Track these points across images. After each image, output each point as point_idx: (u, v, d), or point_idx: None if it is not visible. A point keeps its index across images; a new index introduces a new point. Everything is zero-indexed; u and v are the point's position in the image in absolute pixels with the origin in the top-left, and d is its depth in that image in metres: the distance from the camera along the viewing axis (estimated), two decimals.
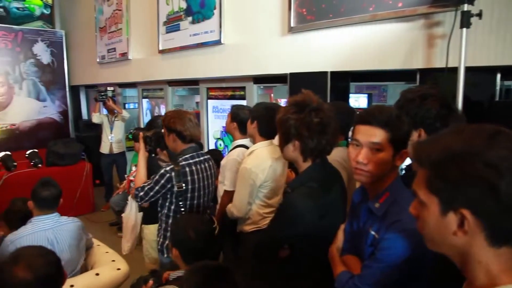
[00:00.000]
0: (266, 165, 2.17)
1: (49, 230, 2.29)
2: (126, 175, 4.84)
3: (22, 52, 6.70)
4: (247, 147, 2.61)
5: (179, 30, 4.05)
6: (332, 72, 2.71)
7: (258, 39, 3.26)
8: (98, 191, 5.81)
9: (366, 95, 4.92)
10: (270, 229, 1.71)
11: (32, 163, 5.24)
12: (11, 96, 6.64)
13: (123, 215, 3.35)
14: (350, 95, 3.10)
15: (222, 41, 3.50)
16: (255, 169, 2.15)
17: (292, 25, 2.88)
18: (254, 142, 2.36)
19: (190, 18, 3.89)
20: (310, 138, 1.48)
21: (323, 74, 2.71)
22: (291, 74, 2.96)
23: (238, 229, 2.37)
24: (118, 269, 2.52)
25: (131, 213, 3.30)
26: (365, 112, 1.30)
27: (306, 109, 1.48)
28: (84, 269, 2.63)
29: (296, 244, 1.56)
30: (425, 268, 1.18)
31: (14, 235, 2.23)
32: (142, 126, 5.54)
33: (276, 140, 2.12)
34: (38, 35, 6.87)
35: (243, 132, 2.64)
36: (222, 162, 2.61)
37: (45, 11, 7.30)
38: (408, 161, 1.33)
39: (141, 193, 2.19)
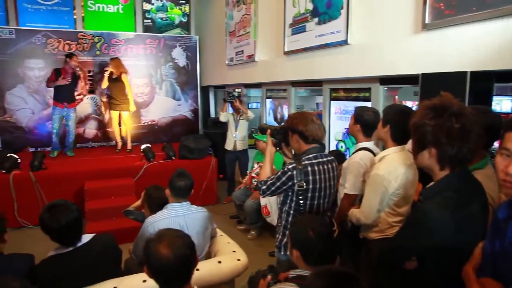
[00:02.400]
0: (400, 172, 2.06)
1: (181, 216, 2.52)
2: (248, 172, 5.08)
3: (163, 56, 7.53)
4: (370, 150, 2.51)
5: (304, 31, 4.09)
6: (472, 72, 2.44)
7: (387, 38, 3.10)
8: (221, 184, 6.19)
9: (511, 98, 4.32)
10: (398, 238, 1.61)
11: (167, 155, 5.85)
12: (153, 95, 7.52)
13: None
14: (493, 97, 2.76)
15: (348, 41, 3.43)
16: (388, 176, 2.06)
17: (426, 21, 2.67)
18: (385, 146, 2.25)
19: (316, 19, 3.90)
20: (450, 145, 1.36)
21: (461, 74, 2.45)
22: (423, 74, 2.75)
23: (361, 235, 2.29)
24: (238, 259, 2.64)
25: (272, 213, 3.54)
26: None
27: (446, 114, 1.36)
28: (208, 256, 2.81)
29: (426, 257, 1.44)
30: None
31: (153, 217, 2.52)
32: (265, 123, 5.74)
33: (409, 146, 2.00)
34: (176, 41, 7.64)
35: (367, 134, 2.54)
36: (344, 165, 2.56)
37: (183, 19, 8.09)
38: None
39: (264, 187, 2.25)
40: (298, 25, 4.22)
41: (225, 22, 6.44)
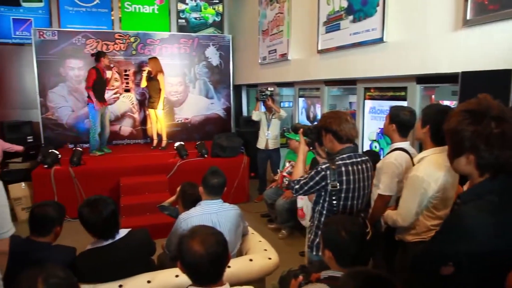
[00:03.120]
0: (440, 174, 1.99)
1: (214, 213, 2.55)
2: (279, 171, 5.07)
3: (197, 55, 7.63)
4: (406, 151, 2.45)
5: (339, 29, 4.03)
6: None
7: (425, 35, 3.01)
8: (253, 183, 6.22)
9: None
10: (435, 242, 1.55)
11: (199, 153, 5.93)
12: (186, 94, 7.64)
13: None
14: None
15: (384, 39, 3.35)
16: (427, 178, 1.99)
17: (468, 17, 2.57)
18: (424, 147, 2.19)
19: (351, 17, 3.84)
20: (489, 152, 1.29)
21: (506, 72, 2.34)
22: (463, 73, 2.65)
23: (397, 237, 2.24)
24: (269, 258, 2.64)
25: (307, 216, 3.54)
26: None
27: (484, 119, 1.29)
28: (239, 253, 2.83)
29: (464, 263, 1.39)
30: None
31: (186, 214, 2.56)
32: (297, 122, 5.71)
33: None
34: (210, 40, 7.72)
35: (403, 134, 2.49)
36: (378, 165, 2.51)
37: (216, 19, 8.17)
38: None
39: (296, 186, 2.24)
40: (332, 23, 4.17)
41: (258, 21, 6.45)
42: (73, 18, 7.35)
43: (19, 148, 5.93)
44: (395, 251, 2.25)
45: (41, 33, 6.71)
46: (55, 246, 2.27)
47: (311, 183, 2.18)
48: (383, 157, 2.68)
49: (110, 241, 2.21)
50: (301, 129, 2.46)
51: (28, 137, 6.81)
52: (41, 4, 7.21)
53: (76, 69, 6.84)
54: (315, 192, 2.25)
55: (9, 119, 6.98)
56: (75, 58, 6.82)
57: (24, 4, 7.12)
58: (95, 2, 7.44)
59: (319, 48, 4.43)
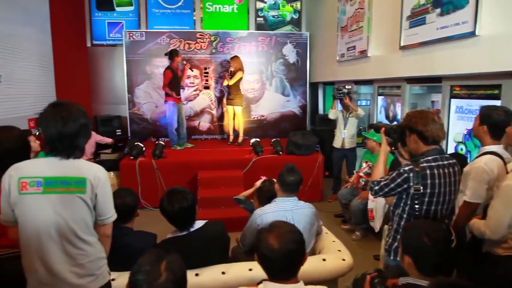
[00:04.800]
0: None
1: (288, 211, 2.56)
2: (355, 171, 4.94)
3: (274, 53, 7.69)
4: (499, 155, 2.25)
5: (424, 24, 3.81)
6: None
7: None
8: (327, 182, 6.13)
9: None
10: None
11: (274, 150, 5.99)
12: (263, 91, 7.74)
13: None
14: None
15: (476, 33, 3.09)
16: None
17: None
18: None
19: (438, 10, 3.60)
20: None
21: None
22: None
23: (485, 249, 2.07)
24: (343, 259, 2.60)
25: (376, 219, 3.45)
26: None
27: None
28: (312, 252, 2.81)
29: None
30: None
31: (261, 209, 2.60)
32: (375, 122, 5.53)
33: None
34: (287, 38, 7.74)
35: (495, 136, 2.29)
36: (466, 169, 2.33)
37: (294, 16, 8.17)
38: None
39: (376, 187, 2.17)
40: (417, 17, 3.94)
41: (337, 17, 6.32)
42: (159, 20, 7.84)
43: (109, 140, 6.52)
44: (482, 263, 2.09)
45: (131, 34, 7.25)
46: (139, 231, 2.44)
47: (392, 185, 2.09)
48: (472, 160, 2.49)
49: (187, 231, 2.32)
50: (383, 128, 2.36)
51: (117, 130, 7.45)
52: (131, 8, 7.80)
53: (161, 67, 7.24)
54: (395, 195, 2.15)
55: (102, 113, 7.67)
56: (160, 57, 7.24)
57: (118, 9, 7.78)
58: (179, 4, 7.85)
59: (402, 44, 4.22)
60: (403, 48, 4.22)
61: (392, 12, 4.51)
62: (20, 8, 5.51)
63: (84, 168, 1.75)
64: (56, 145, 1.70)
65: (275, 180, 2.73)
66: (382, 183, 2.14)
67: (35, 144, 3.45)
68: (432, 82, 4.24)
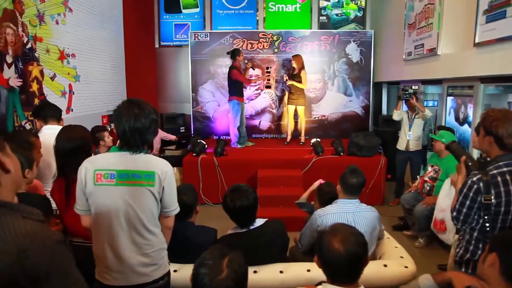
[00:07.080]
0: None
1: (350, 213, 2.51)
2: (419, 175, 4.72)
3: (337, 52, 7.57)
4: None
5: (504, 17, 3.52)
6: None
7: None
8: (389, 185, 5.92)
9: None
10: None
11: (335, 151, 5.88)
12: (325, 91, 7.65)
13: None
14: None
15: None
16: None
17: None
18: None
19: None
20: None
21: None
22: None
23: None
24: (406, 267, 2.49)
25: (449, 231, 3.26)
26: None
27: None
28: (372, 257, 2.73)
29: None
30: None
31: (322, 210, 2.57)
32: (443, 124, 5.24)
33: None
34: (351, 36, 7.58)
35: None
36: None
37: (358, 14, 7.96)
38: None
39: (454, 213, 2.01)
40: (495, 11, 3.66)
41: (403, 14, 6.06)
42: (223, 20, 8.01)
43: (173, 137, 6.80)
44: None
45: (196, 35, 7.51)
46: (200, 226, 2.52)
47: (468, 202, 1.94)
48: None
49: (247, 229, 2.35)
50: (463, 157, 2.18)
51: (181, 128, 7.73)
52: (197, 10, 8.05)
53: (224, 67, 7.43)
54: (476, 212, 1.96)
55: (167, 111, 8.01)
56: (223, 57, 7.41)
57: (184, 11, 8.08)
58: (242, 4, 7.97)
59: (477, 40, 3.94)
60: (477, 45, 3.94)
61: (466, 7, 4.24)
62: (98, 12, 5.91)
63: (153, 162, 1.84)
64: (127, 140, 1.80)
65: (332, 184, 2.68)
66: (457, 207, 2.00)
67: (108, 139, 3.70)
68: (510, 81, 3.92)
